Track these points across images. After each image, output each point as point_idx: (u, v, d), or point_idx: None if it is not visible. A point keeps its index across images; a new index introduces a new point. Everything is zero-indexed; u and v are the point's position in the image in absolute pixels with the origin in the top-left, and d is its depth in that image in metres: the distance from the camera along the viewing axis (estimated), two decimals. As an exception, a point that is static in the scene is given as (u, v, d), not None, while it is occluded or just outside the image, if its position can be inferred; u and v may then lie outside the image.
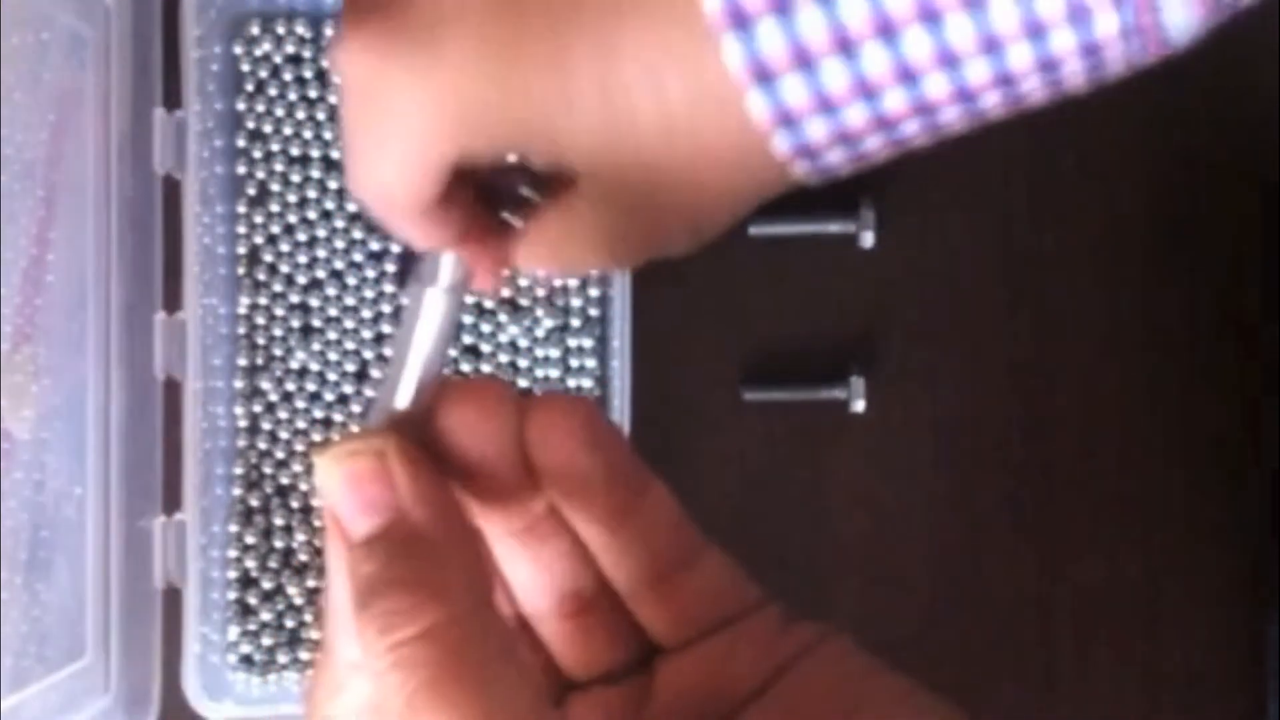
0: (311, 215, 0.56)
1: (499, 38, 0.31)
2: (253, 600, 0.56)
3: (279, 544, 0.56)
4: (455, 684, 0.26)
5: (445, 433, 0.30)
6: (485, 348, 0.56)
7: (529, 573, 0.32)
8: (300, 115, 0.56)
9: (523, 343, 0.56)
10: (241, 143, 0.56)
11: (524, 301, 0.56)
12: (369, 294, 0.56)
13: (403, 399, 0.31)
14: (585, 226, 0.33)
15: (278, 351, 0.57)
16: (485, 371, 0.56)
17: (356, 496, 0.29)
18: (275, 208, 0.56)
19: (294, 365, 0.57)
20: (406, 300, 0.33)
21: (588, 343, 0.56)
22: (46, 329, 0.50)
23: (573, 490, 0.31)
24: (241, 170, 0.56)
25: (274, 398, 0.57)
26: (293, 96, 0.56)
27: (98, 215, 0.53)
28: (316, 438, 0.56)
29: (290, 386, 0.57)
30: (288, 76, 0.56)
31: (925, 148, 0.32)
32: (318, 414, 0.57)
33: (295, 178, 0.56)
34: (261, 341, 0.57)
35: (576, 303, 0.56)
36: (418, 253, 0.34)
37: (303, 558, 0.56)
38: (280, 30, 0.56)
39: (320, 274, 0.56)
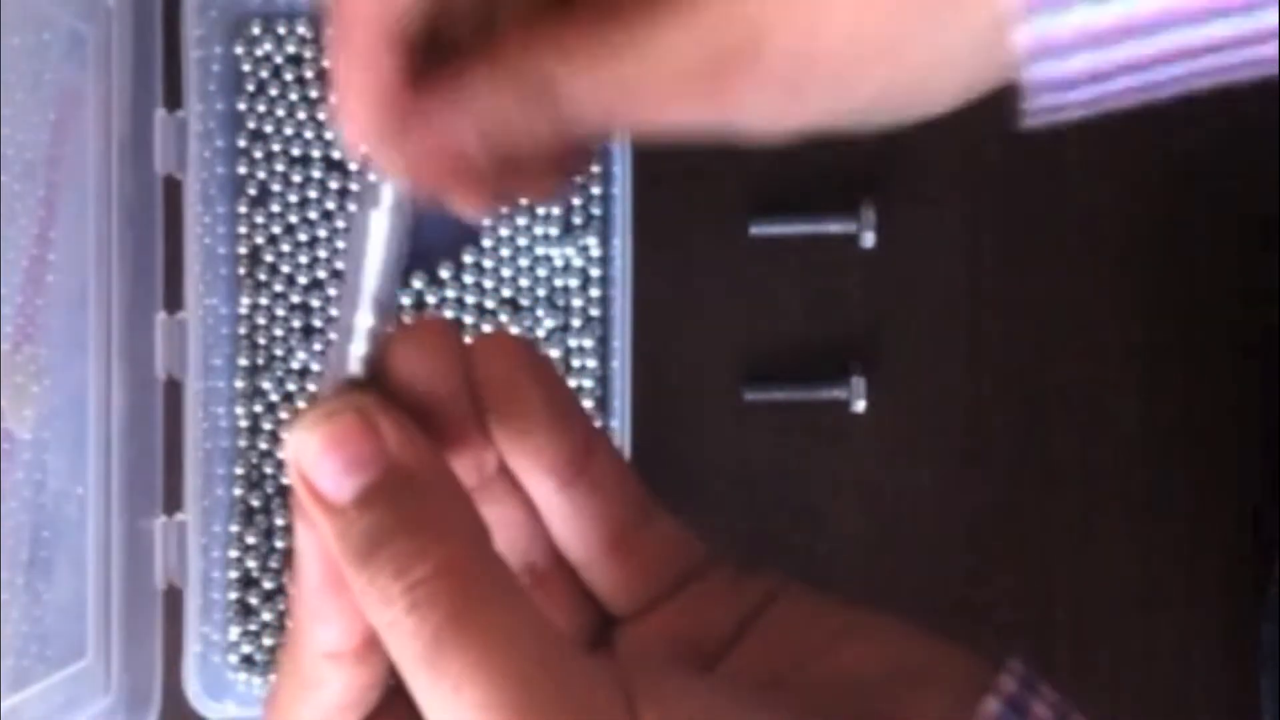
0: (312, 215, 0.56)
1: None
2: (254, 600, 0.56)
3: (280, 544, 0.56)
4: (475, 615, 0.26)
5: (393, 372, 0.29)
6: (485, 348, 0.56)
7: None
8: (301, 115, 0.56)
9: (523, 343, 0.56)
10: (242, 143, 0.56)
11: (524, 301, 0.57)
12: (369, 294, 0.56)
13: (357, 348, 0.30)
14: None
15: (278, 351, 0.57)
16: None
17: (340, 457, 0.28)
18: (276, 208, 0.56)
19: (294, 365, 0.57)
20: (348, 227, 0.31)
21: (588, 343, 0.56)
22: (47, 329, 0.50)
23: (521, 434, 0.31)
24: (242, 170, 0.56)
25: (274, 398, 0.57)
26: (293, 97, 0.56)
27: (98, 215, 0.53)
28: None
29: (290, 386, 0.57)
30: (289, 77, 0.56)
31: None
32: (318, 414, 0.57)
33: (296, 178, 0.56)
34: (262, 341, 0.57)
35: (577, 303, 0.56)
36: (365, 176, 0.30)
37: (303, 558, 0.57)
38: (281, 30, 0.56)
39: (320, 274, 0.56)
